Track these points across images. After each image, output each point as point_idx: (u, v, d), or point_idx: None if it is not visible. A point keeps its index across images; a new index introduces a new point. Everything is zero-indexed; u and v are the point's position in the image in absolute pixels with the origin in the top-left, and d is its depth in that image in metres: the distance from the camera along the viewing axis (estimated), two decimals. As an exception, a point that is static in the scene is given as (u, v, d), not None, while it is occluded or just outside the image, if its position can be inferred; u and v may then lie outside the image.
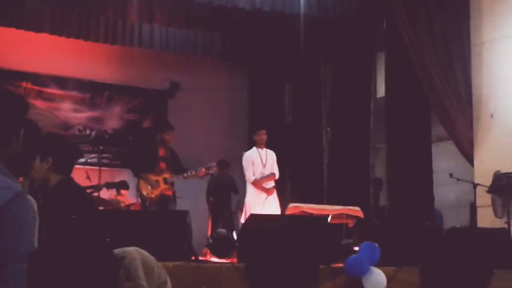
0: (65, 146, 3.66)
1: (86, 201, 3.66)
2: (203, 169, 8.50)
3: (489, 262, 2.00)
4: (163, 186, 8.49)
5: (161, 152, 8.71)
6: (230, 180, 11.05)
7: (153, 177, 8.50)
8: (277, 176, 9.22)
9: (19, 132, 2.20)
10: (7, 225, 1.99)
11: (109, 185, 9.45)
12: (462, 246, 1.99)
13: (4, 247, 1.98)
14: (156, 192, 8.48)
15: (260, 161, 9.08)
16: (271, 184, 9.09)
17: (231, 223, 10.45)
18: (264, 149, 9.21)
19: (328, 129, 10.70)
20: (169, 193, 8.59)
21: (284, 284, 1.95)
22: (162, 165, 8.63)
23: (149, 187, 8.48)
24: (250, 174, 9.00)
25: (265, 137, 9.21)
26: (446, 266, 1.96)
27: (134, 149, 11.42)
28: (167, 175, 8.50)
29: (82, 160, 9.63)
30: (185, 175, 8.49)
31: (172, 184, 8.57)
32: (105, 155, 11.18)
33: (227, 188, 10.95)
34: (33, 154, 2.91)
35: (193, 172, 8.49)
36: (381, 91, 11.50)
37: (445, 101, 9.26)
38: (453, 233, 2.10)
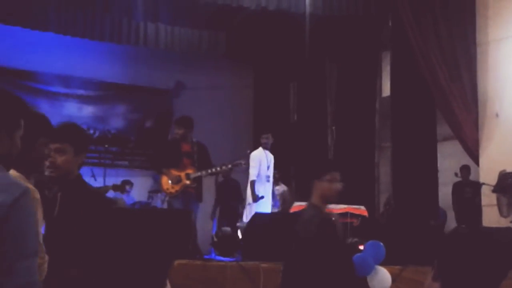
0: (89, 141, 3.65)
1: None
2: (230, 165, 8.31)
3: (507, 262, 2.00)
4: (184, 181, 8.06)
5: (185, 147, 8.23)
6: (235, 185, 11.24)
7: (175, 173, 8.09)
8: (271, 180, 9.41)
9: (11, 132, 2.20)
10: (17, 221, 2.01)
11: (116, 187, 9.48)
12: (482, 246, 1.98)
13: (15, 243, 2.00)
14: (177, 187, 8.06)
15: (266, 163, 9.20)
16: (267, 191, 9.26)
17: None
18: (268, 152, 9.33)
19: (333, 128, 10.70)
20: (191, 190, 8.10)
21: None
22: (186, 161, 8.16)
23: (170, 182, 8.09)
24: (254, 172, 9.07)
25: (267, 141, 9.27)
26: (466, 267, 1.95)
27: (154, 146, 11.18)
28: (190, 171, 8.08)
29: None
30: (210, 171, 8.11)
31: (195, 180, 8.10)
32: (109, 154, 11.22)
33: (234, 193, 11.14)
34: (40, 149, 2.90)
35: (218, 168, 8.16)
36: (386, 90, 11.49)
37: (451, 100, 9.25)
38: (472, 233, 2.08)
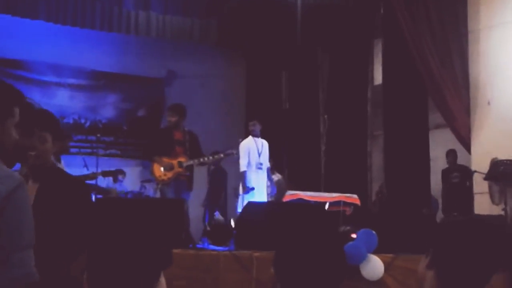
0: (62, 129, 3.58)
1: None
2: (222, 155, 8.28)
3: (501, 250, 2.00)
4: (177, 169, 8.00)
5: (178, 135, 8.19)
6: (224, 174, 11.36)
7: (167, 160, 8.05)
8: (267, 167, 9.34)
9: (3, 120, 2.18)
10: (12, 213, 2.01)
11: (106, 174, 9.40)
12: (477, 234, 1.98)
13: (10, 234, 2.00)
14: (170, 174, 8.01)
15: (256, 151, 9.14)
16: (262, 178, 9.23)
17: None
18: (259, 139, 9.25)
19: (326, 116, 10.70)
20: (183, 178, 8.09)
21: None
22: (178, 149, 8.12)
23: (162, 169, 8.04)
24: (243, 163, 9.04)
25: (254, 128, 9.23)
26: (461, 255, 1.95)
27: (145, 134, 11.13)
28: (182, 159, 8.02)
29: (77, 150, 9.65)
30: (202, 159, 8.07)
31: (187, 168, 8.08)
32: (101, 144, 11.18)
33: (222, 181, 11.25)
34: (29, 139, 2.82)
35: (211, 158, 8.15)
36: (378, 78, 11.50)
37: (443, 88, 9.26)
38: (467, 221, 2.09)
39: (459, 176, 10.06)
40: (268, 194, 9.38)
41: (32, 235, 2.10)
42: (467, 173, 9.96)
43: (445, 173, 10.37)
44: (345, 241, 6.02)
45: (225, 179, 11.48)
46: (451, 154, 10.24)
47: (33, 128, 3.00)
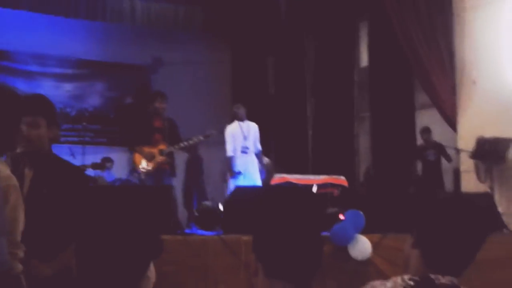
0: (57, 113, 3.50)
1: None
2: (201, 137, 8.24)
3: (485, 228, 2.01)
4: (158, 158, 8.01)
5: (157, 123, 8.15)
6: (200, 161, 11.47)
7: (148, 149, 8.03)
8: (256, 150, 9.28)
9: None
10: None
11: (95, 166, 9.39)
12: (460, 213, 1.99)
13: None
14: (152, 164, 8.00)
15: (241, 135, 9.08)
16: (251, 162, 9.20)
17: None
18: (246, 122, 9.19)
19: (312, 99, 10.70)
20: (165, 166, 8.08)
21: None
22: (158, 136, 8.09)
23: (144, 159, 8.02)
24: (229, 148, 9.03)
25: (238, 111, 9.19)
26: (445, 233, 1.96)
27: (126, 122, 11.09)
28: (162, 147, 8.00)
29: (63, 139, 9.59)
30: (182, 144, 8.05)
31: (168, 155, 8.07)
32: (88, 132, 11.13)
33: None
34: (16, 126, 2.74)
35: (190, 141, 8.11)
36: (364, 60, 11.49)
37: (428, 68, 9.26)
38: (450, 200, 2.09)
39: (433, 153, 10.18)
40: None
41: (3, 224, 2.06)
42: (442, 150, 10.09)
43: (419, 150, 10.41)
44: (333, 222, 6.04)
45: (202, 165, 11.56)
46: (426, 132, 10.34)
47: (20, 114, 2.94)
